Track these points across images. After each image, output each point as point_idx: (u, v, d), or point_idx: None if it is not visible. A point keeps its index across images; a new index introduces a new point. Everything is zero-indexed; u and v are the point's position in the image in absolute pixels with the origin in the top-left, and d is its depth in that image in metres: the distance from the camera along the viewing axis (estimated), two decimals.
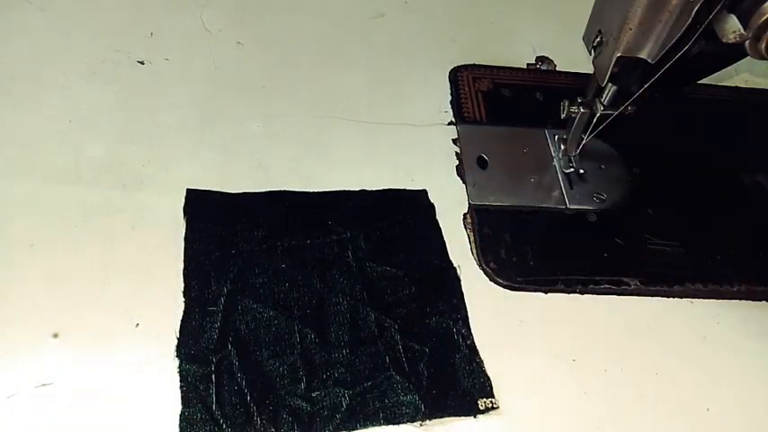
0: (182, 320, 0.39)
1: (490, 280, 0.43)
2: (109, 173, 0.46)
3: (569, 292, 0.43)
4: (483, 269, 0.44)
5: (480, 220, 0.46)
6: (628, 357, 0.41)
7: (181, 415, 0.35)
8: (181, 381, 0.36)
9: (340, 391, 0.37)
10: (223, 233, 0.43)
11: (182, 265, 0.41)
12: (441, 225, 0.46)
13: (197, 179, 0.46)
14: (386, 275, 0.42)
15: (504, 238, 0.45)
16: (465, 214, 0.47)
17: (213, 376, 0.37)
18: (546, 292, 0.43)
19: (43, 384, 0.36)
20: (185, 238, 0.42)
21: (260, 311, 0.40)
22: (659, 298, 0.44)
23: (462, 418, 0.37)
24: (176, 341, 0.38)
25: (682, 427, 0.38)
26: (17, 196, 0.44)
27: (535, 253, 0.45)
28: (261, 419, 0.35)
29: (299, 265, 0.42)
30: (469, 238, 0.45)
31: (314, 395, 0.37)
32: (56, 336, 0.38)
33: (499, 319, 0.42)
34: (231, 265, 0.41)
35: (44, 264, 0.40)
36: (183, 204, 0.44)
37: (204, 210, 0.44)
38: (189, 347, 0.38)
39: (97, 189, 0.45)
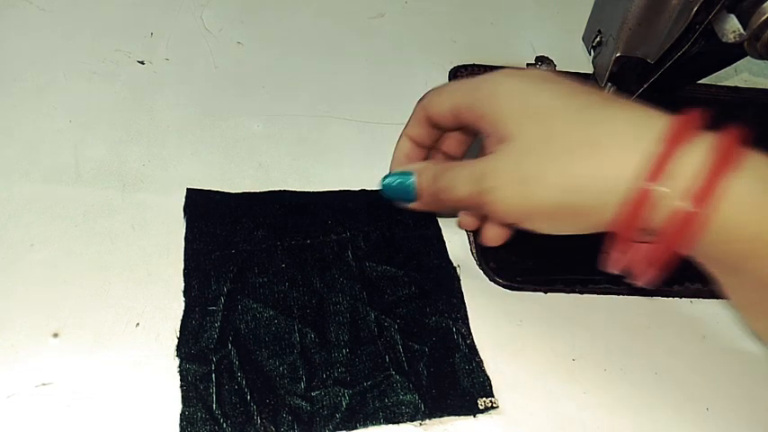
0: (182, 320, 0.39)
1: (490, 280, 0.43)
2: (109, 173, 0.46)
3: (569, 292, 0.43)
4: (482, 269, 0.44)
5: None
6: (628, 357, 0.41)
7: (181, 414, 0.35)
8: (181, 380, 0.36)
9: (340, 391, 0.37)
10: (223, 233, 0.43)
11: (182, 265, 0.41)
12: (440, 224, 0.46)
13: (197, 179, 0.46)
14: (386, 275, 0.42)
15: None
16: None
17: (213, 375, 0.37)
18: (546, 292, 0.43)
19: (43, 384, 0.36)
20: (185, 238, 0.43)
21: (260, 311, 0.40)
22: (659, 298, 0.44)
23: (462, 417, 0.37)
24: (176, 341, 0.38)
25: (682, 427, 0.38)
26: (17, 196, 0.44)
27: (535, 252, 0.45)
28: (261, 419, 0.35)
29: (299, 265, 0.42)
30: (469, 238, 0.45)
31: (314, 394, 0.37)
32: (56, 336, 0.38)
33: (499, 318, 0.42)
34: (231, 264, 0.41)
35: (44, 264, 0.40)
36: (183, 204, 0.44)
37: (204, 210, 0.44)
38: (189, 347, 0.38)
39: (97, 189, 0.45)
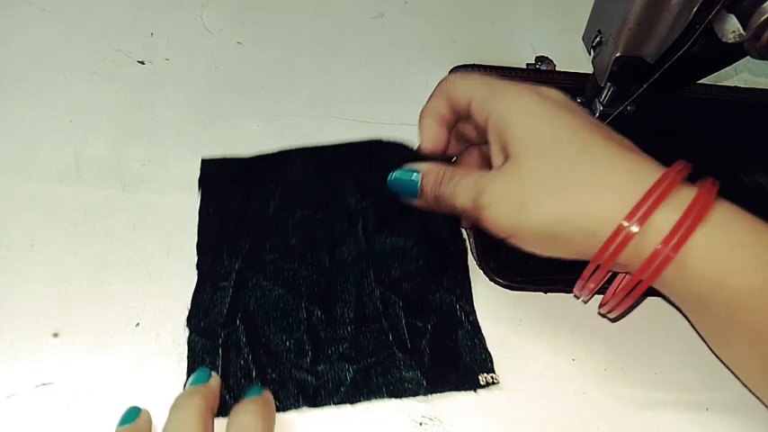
0: (193, 293, 0.39)
1: (490, 280, 0.43)
2: (109, 173, 0.46)
3: (569, 292, 0.43)
4: (482, 269, 0.44)
5: None
6: (628, 357, 0.41)
7: (185, 386, 0.35)
8: (189, 351, 0.37)
9: (344, 366, 0.37)
10: (236, 206, 0.43)
11: (182, 266, 0.41)
12: None
13: (197, 179, 0.46)
14: (395, 247, 0.42)
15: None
16: None
17: (221, 350, 0.37)
18: (546, 292, 0.43)
19: (43, 384, 0.36)
20: (199, 213, 0.43)
21: (269, 289, 0.40)
22: (659, 298, 0.44)
23: (463, 393, 0.37)
24: (176, 339, 0.38)
25: (682, 427, 0.38)
26: (17, 196, 0.44)
27: None
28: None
29: (309, 242, 0.42)
30: (469, 238, 0.45)
31: (319, 369, 0.37)
32: (56, 336, 0.38)
33: (499, 318, 0.42)
34: (243, 241, 0.42)
35: (44, 264, 0.41)
36: (182, 205, 0.44)
37: (218, 182, 0.44)
38: (199, 320, 0.38)
39: (97, 189, 0.45)
